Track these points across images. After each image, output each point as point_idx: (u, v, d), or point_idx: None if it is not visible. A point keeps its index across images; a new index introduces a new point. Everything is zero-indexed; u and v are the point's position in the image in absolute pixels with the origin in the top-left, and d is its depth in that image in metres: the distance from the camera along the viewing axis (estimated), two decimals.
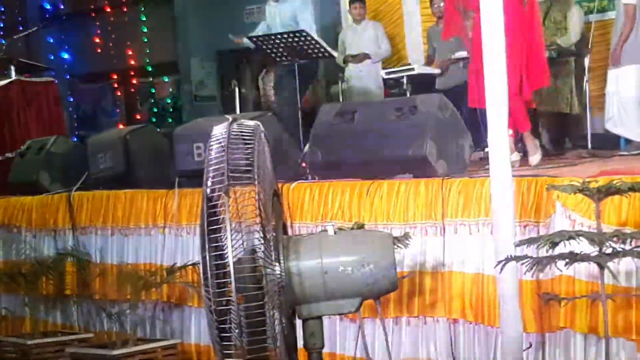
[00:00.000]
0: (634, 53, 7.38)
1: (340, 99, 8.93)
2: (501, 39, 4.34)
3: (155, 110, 14.33)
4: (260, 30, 8.55)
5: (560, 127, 8.40)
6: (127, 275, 6.38)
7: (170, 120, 13.81)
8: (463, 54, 8.50)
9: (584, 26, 8.14)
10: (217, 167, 2.57)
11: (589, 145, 7.55)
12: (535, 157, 6.47)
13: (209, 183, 2.62)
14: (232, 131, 2.63)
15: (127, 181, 6.98)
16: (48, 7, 15.73)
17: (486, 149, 7.52)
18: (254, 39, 7.72)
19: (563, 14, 8.08)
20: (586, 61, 7.71)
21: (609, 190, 3.96)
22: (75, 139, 9.05)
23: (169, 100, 14.24)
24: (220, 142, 2.60)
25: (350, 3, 9.80)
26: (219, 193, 2.57)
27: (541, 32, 6.74)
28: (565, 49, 7.95)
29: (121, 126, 12.24)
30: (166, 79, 14.66)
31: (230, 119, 2.71)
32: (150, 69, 14.07)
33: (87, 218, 7.02)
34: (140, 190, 6.78)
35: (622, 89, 7.52)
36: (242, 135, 2.64)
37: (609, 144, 7.65)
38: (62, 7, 15.89)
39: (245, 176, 2.57)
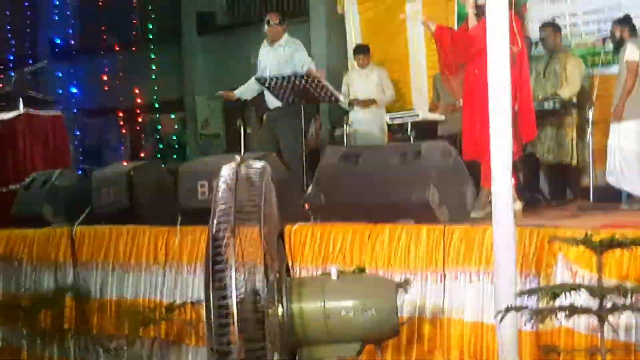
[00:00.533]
0: (636, 108, 7.43)
1: (345, 142, 8.98)
2: (507, 89, 4.38)
3: (161, 146, 14.41)
4: (258, 72, 8.57)
5: (562, 178, 8.43)
6: (126, 311, 6.37)
7: (174, 157, 13.88)
8: None
9: (584, 78, 8.21)
10: (223, 206, 2.60)
11: (591, 198, 7.57)
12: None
13: (215, 222, 2.64)
14: (240, 172, 2.66)
15: (130, 216, 6.98)
16: (58, 41, 15.87)
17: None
18: (262, 81, 7.76)
19: (562, 66, 8.15)
20: (590, 113, 7.76)
21: (611, 244, 3.97)
22: (80, 173, 9.04)
23: (174, 137, 14.32)
24: (228, 182, 2.62)
25: (354, 54, 9.90)
26: (225, 233, 2.60)
27: (529, 88, 6.80)
28: (568, 100, 8.00)
29: (125, 162, 12.27)
30: (172, 116, 14.75)
31: (238, 159, 2.74)
32: (157, 106, 14.14)
33: (88, 253, 7.02)
34: (142, 226, 6.79)
35: (623, 143, 7.57)
36: (249, 176, 2.66)
37: (610, 196, 7.66)
38: (72, 42, 16.03)
39: (251, 217, 2.59)
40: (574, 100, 8.11)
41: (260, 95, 8.37)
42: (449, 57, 6.78)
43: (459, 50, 6.60)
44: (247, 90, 8.53)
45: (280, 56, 8.25)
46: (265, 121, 8.49)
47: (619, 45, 7.80)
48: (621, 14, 8.14)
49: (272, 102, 8.18)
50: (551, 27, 8.44)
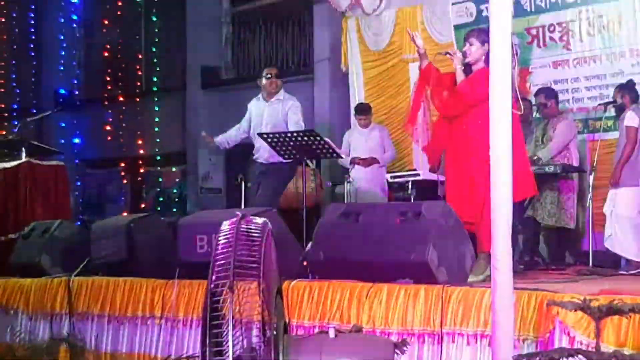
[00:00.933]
0: (633, 175, 7.47)
1: (345, 200, 9.00)
2: (508, 150, 4.39)
3: (161, 199, 14.43)
4: (243, 126, 8.60)
5: (561, 242, 8.43)
6: None
7: (174, 210, 13.89)
8: None
9: (573, 139, 8.26)
10: (222, 262, 2.59)
11: (590, 263, 7.56)
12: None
13: (214, 277, 2.64)
14: (240, 227, 2.66)
15: (128, 269, 6.96)
16: (63, 92, 15.98)
17: None
18: (264, 136, 7.80)
19: (554, 131, 8.23)
20: (591, 178, 7.80)
21: (610, 310, 3.96)
22: (79, 224, 9.05)
23: (174, 191, 14.34)
24: (228, 238, 2.62)
25: (355, 113, 9.96)
26: (223, 288, 2.59)
27: (523, 144, 6.79)
28: (571, 165, 8.04)
29: (125, 213, 12.29)
30: (174, 169, 14.79)
31: (239, 215, 2.74)
32: (159, 158, 14.20)
33: (84, 304, 6.97)
34: (140, 278, 6.76)
35: (619, 209, 7.60)
36: (250, 232, 2.67)
37: (610, 261, 7.66)
38: (76, 92, 16.15)
39: (251, 273, 2.59)
40: (575, 164, 8.15)
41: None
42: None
43: (447, 103, 6.60)
44: (226, 139, 8.58)
45: (275, 112, 8.29)
46: (254, 179, 8.52)
47: (619, 110, 7.87)
48: (623, 80, 8.23)
49: (262, 156, 8.21)
50: (544, 93, 8.52)
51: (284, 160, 7.97)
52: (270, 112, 8.30)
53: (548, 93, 8.52)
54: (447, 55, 6.78)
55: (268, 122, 8.28)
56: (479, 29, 6.95)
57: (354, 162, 9.54)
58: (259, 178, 8.34)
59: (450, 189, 6.61)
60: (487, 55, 6.35)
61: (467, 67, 6.59)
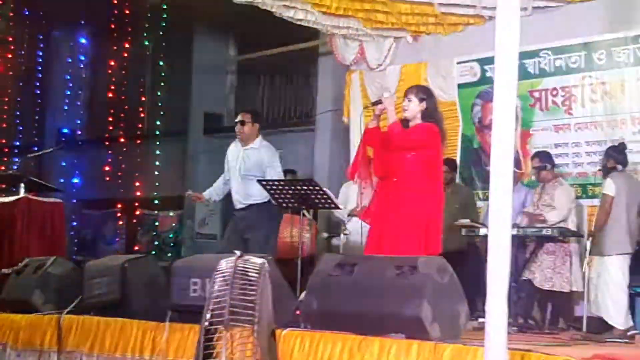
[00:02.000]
0: (615, 243, 7.50)
1: (341, 252, 8.98)
2: (508, 208, 4.39)
3: (156, 243, 14.39)
4: (225, 175, 8.52)
5: (556, 306, 8.40)
6: None
7: (169, 254, 13.86)
8: (466, 221, 8.60)
9: (572, 206, 8.29)
10: (218, 300, 2.59)
11: (584, 327, 7.53)
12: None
13: (209, 315, 2.62)
14: (238, 266, 2.66)
15: (120, 309, 6.92)
16: (65, 131, 16.04)
17: (480, 319, 7.56)
18: (263, 183, 7.81)
19: (551, 196, 8.24)
20: (588, 244, 7.79)
21: None
22: (73, 263, 9.02)
23: (170, 235, 14.32)
24: (225, 276, 2.62)
25: None
26: (217, 326, 2.58)
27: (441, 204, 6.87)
28: (569, 229, 8.04)
29: (120, 254, 12.24)
30: (171, 214, 14.78)
31: (238, 254, 2.74)
32: (156, 202, 14.21)
33: (74, 342, 6.92)
34: (131, 320, 6.72)
35: (602, 276, 7.61)
36: (247, 272, 2.66)
37: (603, 328, 7.62)
38: (79, 132, 16.22)
39: (246, 312, 2.58)
40: (574, 228, 8.16)
41: None
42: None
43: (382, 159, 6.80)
44: (214, 191, 8.57)
45: (250, 159, 8.24)
46: (231, 223, 8.49)
47: (606, 174, 7.93)
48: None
49: (239, 200, 8.19)
50: (539, 157, 8.54)
51: (260, 202, 7.97)
52: (244, 159, 8.25)
53: (543, 157, 8.55)
54: (378, 105, 6.89)
55: (242, 169, 8.24)
56: (418, 86, 7.28)
57: (351, 214, 9.52)
58: (242, 224, 8.25)
59: (372, 239, 6.77)
60: (424, 112, 6.71)
61: (405, 122, 6.79)
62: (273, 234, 8.49)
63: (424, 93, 6.90)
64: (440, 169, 6.90)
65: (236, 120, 8.39)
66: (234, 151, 8.42)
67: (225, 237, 8.69)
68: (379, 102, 6.95)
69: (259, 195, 8.06)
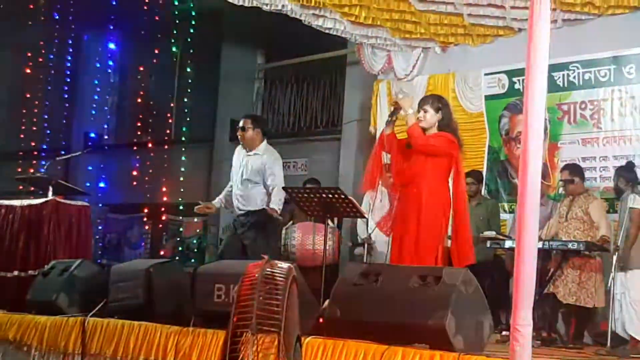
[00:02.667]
0: None
1: (365, 261, 8.98)
2: (535, 225, 4.38)
3: (180, 248, 14.43)
4: (233, 175, 8.51)
5: (580, 321, 8.34)
6: None
7: (193, 260, 13.89)
8: (491, 233, 8.58)
9: (609, 221, 8.23)
10: (244, 304, 2.59)
11: (609, 343, 7.47)
12: None
13: (235, 319, 2.63)
14: (266, 270, 2.67)
15: (144, 313, 6.96)
16: (93, 135, 16.15)
17: (504, 332, 7.53)
18: (289, 190, 7.83)
19: (584, 210, 8.16)
20: (614, 259, 7.73)
21: None
22: (99, 266, 9.07)
23: (194, 241, 14.35)
24: (252, 280, 2.63)
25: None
26: (243, 330, 2.58)
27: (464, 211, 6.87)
28: (594, 244, 7.97)
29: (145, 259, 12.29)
30: (196, 220, 14.82)
31: (266, 258, 2.75)
32: (181, 208, 14.26)
33: (98, 345, 6.97)
34: (155, 324, 6.75)
35: (633, 293, 7.56)
36: (274, 275, 2.67)
37: (627, 343, 7.57)
38: (106, 137, 16.32)
39: (273, 317, 2.59)
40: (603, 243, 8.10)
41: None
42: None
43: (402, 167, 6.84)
44: (224, 199, 8.55)
45: (252, 165, 8.18)
46: (231, 227, 8.47)
47: (618, 193, 7.87)
48: None
49: (239, 206, 8.19)
50: (569, 169, 8.45)
51: (261, 209, 7.99)
52: (246, 165, 8.20)
53: (574, 169, 8.47)
54: (397, 112, 6.92)
55: (244, 175, 8.20)
56: (432, 96, 7.30)
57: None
58: (241, 229, 8.21)
59: (395, 248, 6.77)
60: (440, 121, 6.80)
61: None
62: (272, 240, 8.47)
63: (439, 102, 6.92)
64: (459, 177, 6.88)
65: (238, 126, 8.31)
66: (238, 157, 8.38)
67: (224, 242, 8.68)
68: (396, 109, 6.96)
69: (260, 201, 8.07)
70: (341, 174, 12.10)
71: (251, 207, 8.13)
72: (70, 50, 16.35)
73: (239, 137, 8.29)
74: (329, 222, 9.15)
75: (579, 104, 9.35)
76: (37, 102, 16.09)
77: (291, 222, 10.28)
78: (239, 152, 8.40)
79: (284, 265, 2.85)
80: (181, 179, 14.05)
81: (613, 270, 7.66)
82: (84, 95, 16.52)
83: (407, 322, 5.52)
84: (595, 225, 8.06)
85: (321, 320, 6.12)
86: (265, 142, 8.30)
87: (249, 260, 5.17)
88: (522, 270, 4.37)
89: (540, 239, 7.69)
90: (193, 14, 13.84)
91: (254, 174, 8.09)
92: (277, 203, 7.97)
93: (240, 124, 8.26)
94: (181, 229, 15.04)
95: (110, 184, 15.67)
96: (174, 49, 15.00)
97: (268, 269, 2.72)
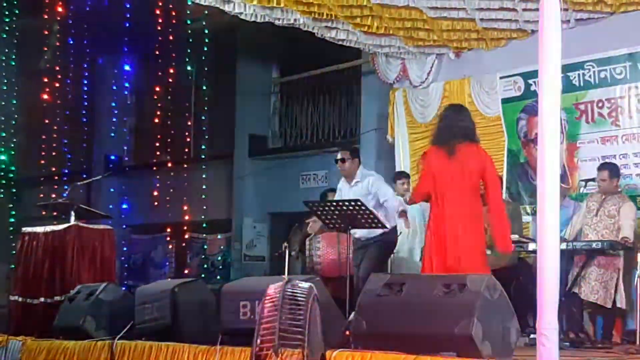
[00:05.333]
0: None
1: (389, 270, 8.97)
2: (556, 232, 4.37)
3: (205, 266, 14.46)
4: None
5: (608, 320, 8.28)
6: None
7: (218, 277, 13.92)
8: (514, 236, 8.53)
9: (636, 223, 8.16)
10: (268, 325, 2.60)
11: (637, 342, 7.42)
12: None
13: (259, 341, 2.64)
14: (287, 291, 2.67)
15: (171, 334, 6.97)
16: (113, 157, 16.22)
17: (532, 335, 7.49)
18: (309, 204, 7.84)
19: (617, 209, 8.10)
20: (638, 257, 7.67)
21: None
22: (125, 289, 9.11)
23: (219, 258, 14.39)
24: (274, 301, 2.63)
25: (396, 178, 9.92)
26: (267, 352, 2.59)
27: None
28: (618, 242, 7.93)
29: (169, 279, 12.33)
30: (219, 237, 14.86)
31: (286, 279, 2.76)
32: (205, 225, 14.30)
33: None
34: (182, 344, 6.77)
35: None
36: (296, 296, 2.67)
37: None
38: (126, 158, 16.39)
39: (295, 337, 2.59)
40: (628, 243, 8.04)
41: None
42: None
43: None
44: None
45: (361, 192, 8.35)
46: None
47: None
48: None
49: (359, 238, 8.36)
50: (608, 169, 8.37)
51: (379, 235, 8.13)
52: (355, 194, 8.30)
53: (612, 169, 8.37)
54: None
55: None
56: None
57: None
58: (359, 253, 8.38)
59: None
60: None
61: None
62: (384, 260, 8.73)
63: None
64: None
65: (336, 159, 8.62)
66: (343, 189, 8.65)
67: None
68: None
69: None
70: None
71: (372, 234, 8.27)
72: (86, 74, 16.45)
73: (339, 168, 8.64)
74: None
75: (596, 102, 9.31)
76: (56, 127, 16.19)
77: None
78: (343, 185, 8.70)
79: (305, 284, 2.86)
80: (202, 196, 14.09)
81: (638, 268, 7.62)
82: (102, 118, 16.62)
83: (433, 331, 5.50)
84: (620, 225, 8.01)
85: (347, 333, 6.11)
86: (361, 167, 8.61)
87: (272, 277, 5.19)
88: (545, 276, 4.37)
89: (564, 239, 7.66)
90: (206, 32, 13.89)
91: (365, 200, 8.18)
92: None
93: (339, 155, 8.61)
94: (205, 247, 15.08)
95: (133, 205, 15.74)
96: (189, 68, 15.07)
97: (289, 289, 2.73)
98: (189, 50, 14.38)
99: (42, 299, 8.73)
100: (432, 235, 6.84)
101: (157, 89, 15.58)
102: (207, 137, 14.80)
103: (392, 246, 8.58)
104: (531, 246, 7.95)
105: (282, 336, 2.63)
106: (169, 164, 15.32)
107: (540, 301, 4.40)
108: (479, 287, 5.54)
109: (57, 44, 15.83)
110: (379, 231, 8.10)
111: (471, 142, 6.89)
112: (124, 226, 15.48)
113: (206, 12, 11.34)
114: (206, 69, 14.50)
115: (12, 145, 16.94)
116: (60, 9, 14.88)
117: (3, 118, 17.07)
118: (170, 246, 15.75)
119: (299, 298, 2.70)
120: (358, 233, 8.30)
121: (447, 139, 6.88)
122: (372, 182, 8.43)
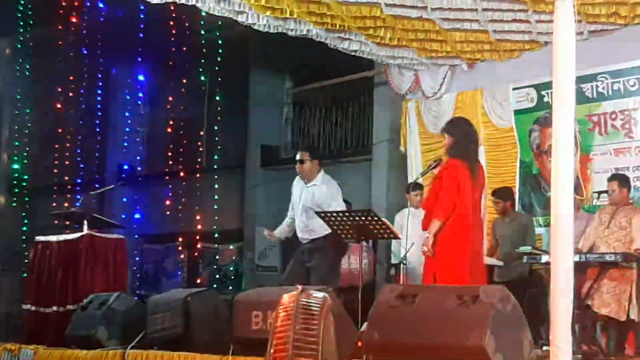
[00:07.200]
0: None
1: (401, 281, 8.96)
2: (570, 242, 4.36)
3: (217, 276, 14.47)
4: (290, 213, 8.66)
5: (621, 332, 8.25)
6: None
7: (230, 287, 13.92)
8: (527, 248, 8.52)
9: None
10: (281, 335, 2.60)
11: None
12: None
13: (272, 351, 2.64)
14: (301, 301, 2.67)
15: (183, 343, 6.99)
16: (126, 167, 16.27)
17: (545, 347, 7.47)
18: (321, 215, 7.84)
19: (628, 220, 8.08)
20: None
21: None
22: (137, 298, 9.13)
23: (231, 268, 14.39)
24: (288, 311, 2.64)
25: (410, 190, 9.90)
26: None
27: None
28: (632, 255, 7.90)
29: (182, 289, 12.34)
30: (231, 247, 14.87)
31: (300, 288, 2.76)
32: (216, 235, 14.31)
33: None
34: (194, 353, 6.78)
35: None
36: (309, 306, 2.68)
37: None
38: (139, 168, 16.43)
39: (309, 347, 2.59)
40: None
41: None
42: None
43: None
44: (283, 230, 8.67)
45: (310, 196, 8.34)
46: (297, 254, 8.53)
47: None
48: None
49: (303, 237, 8.28)
50: (618, 180, 8.36)
51: (326, 235, 8.03)
52: (306, 196, 8.34)
53: (622, 180, 8.37)
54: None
55: (304, 205, 8.36)
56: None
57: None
58: (306, 257, 8.34)
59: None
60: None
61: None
62: (337, 263, 8.55)
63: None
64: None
65: (296, 159, 8.48)
66: (298, 188, 8.55)
67: (288, 268, 8.73)
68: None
69: (322, 229, 8.13)
70: (373, 194, 12.09)
71: (315, 236, 8.29)
72: (100, 83, 16.51)
73: (298, 169, 8.49)
74: (365, 242, 9.16)
75: (609, 114, 9.29)
76: (69, 137, 16.24)
77: None
78: (297, 184, 8.59)
79: (319, 294, 2.86)
80: (215, 206, 14.11)
81: None
82: (116, 128, 16.66)
83: (445, 342, 5.49)
84: (632, 237, 7.99)
85: (359, 343, 6.10)
86: (322, 172, 8.48)
87: (285, 287, 5.20)
88: (559, 288, 4.36)
89: (578, 250, 7.64)
90: (220, 42, 13.93)
91: (315, 205, 8.16)
92: None
93: (298, 156, 8.48)
94: (217, 257, 15.09)
95: (145, 214, 15.77)
96: (202, 78, 15.11)
97: (303, 299, 2.73)
98: (202, 61, 14.42)
99: (54, 308, 8.76)
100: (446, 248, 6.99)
101: (170, 99, 15.62)
102: (219, 147, 14.82)
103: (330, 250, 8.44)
104: (544, 258, 7.93)
105: (296, 346, 2.63)
106: (182, 174, 15.34)
107: (553, 314, 4.39)
108: (492, 298, 5.53)
109: (71, 54, 15.91)
110: (321, 234, 8.12)
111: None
112: (136, 236, 15.50)
113: (220, 22, 11.36)
114: (219, 79, 14.52)
115: (26, 155, 16.99)
116: (74, 20, 14.95)
117: (17, 127, 17.15)
118: (182, 256, 15.77)
119: (313, 308, 2.70)
120: (304, 240, 8.32)
121: (471, 155, 7.17)
122: (333, 190, 8.37)
